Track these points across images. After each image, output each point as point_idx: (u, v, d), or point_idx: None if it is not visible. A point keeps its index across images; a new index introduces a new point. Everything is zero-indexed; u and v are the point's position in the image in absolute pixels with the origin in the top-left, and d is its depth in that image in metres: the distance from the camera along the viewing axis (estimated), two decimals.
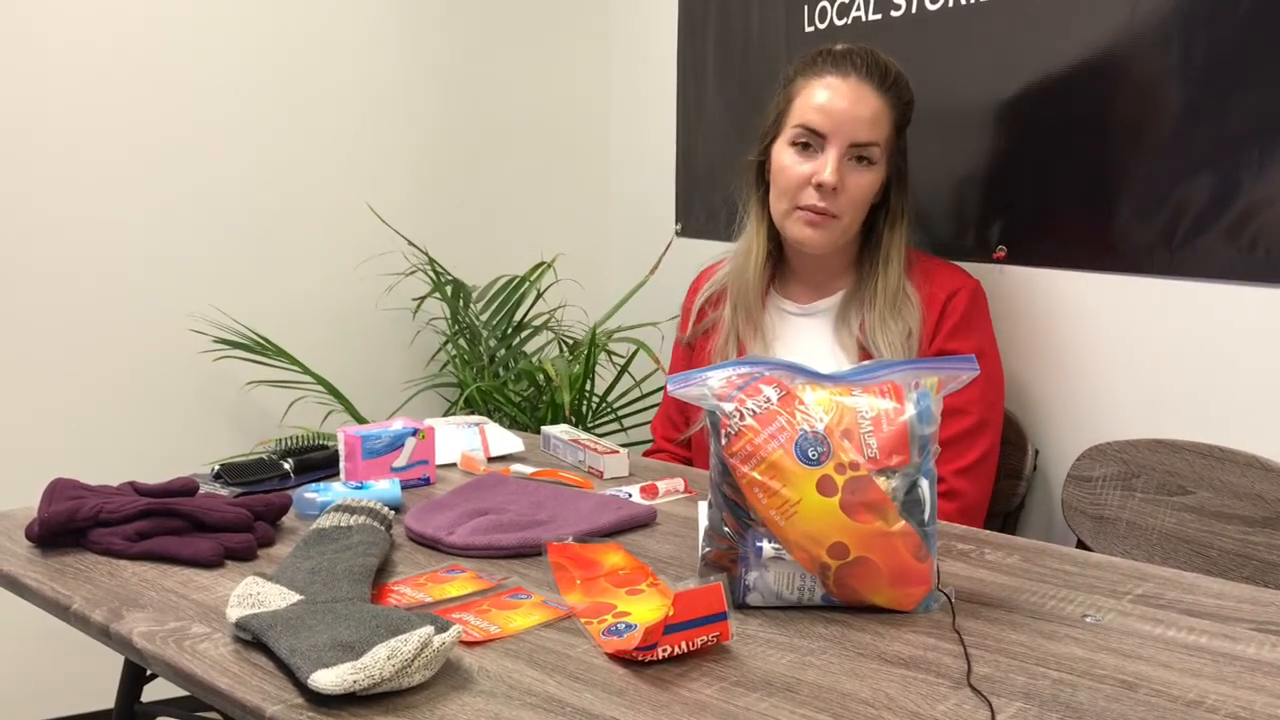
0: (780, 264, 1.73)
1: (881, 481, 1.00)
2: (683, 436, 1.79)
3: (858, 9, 2.01)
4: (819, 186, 1.57)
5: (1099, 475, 1.60)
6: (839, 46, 1.64)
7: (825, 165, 1.56)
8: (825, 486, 0.98)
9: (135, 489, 1.25)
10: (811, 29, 2.12)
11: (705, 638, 0.91)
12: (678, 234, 2.53)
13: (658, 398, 2.32)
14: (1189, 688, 0.87)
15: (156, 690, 1.32)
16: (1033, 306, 1.77)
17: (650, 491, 1.40)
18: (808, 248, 1.63)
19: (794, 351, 1.65)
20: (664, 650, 0.90)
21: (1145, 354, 1.63)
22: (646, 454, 1.83)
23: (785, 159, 1.61)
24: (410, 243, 2.46)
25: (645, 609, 1.01)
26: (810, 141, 1.59)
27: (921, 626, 0.99)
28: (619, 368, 2.36)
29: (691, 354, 1.78)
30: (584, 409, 2.31)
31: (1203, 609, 1.03)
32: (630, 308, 2.42)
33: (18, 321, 2.14)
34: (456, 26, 2.57)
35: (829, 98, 1.58)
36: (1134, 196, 1.61)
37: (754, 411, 1.00)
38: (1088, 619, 1.01)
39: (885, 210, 1.65)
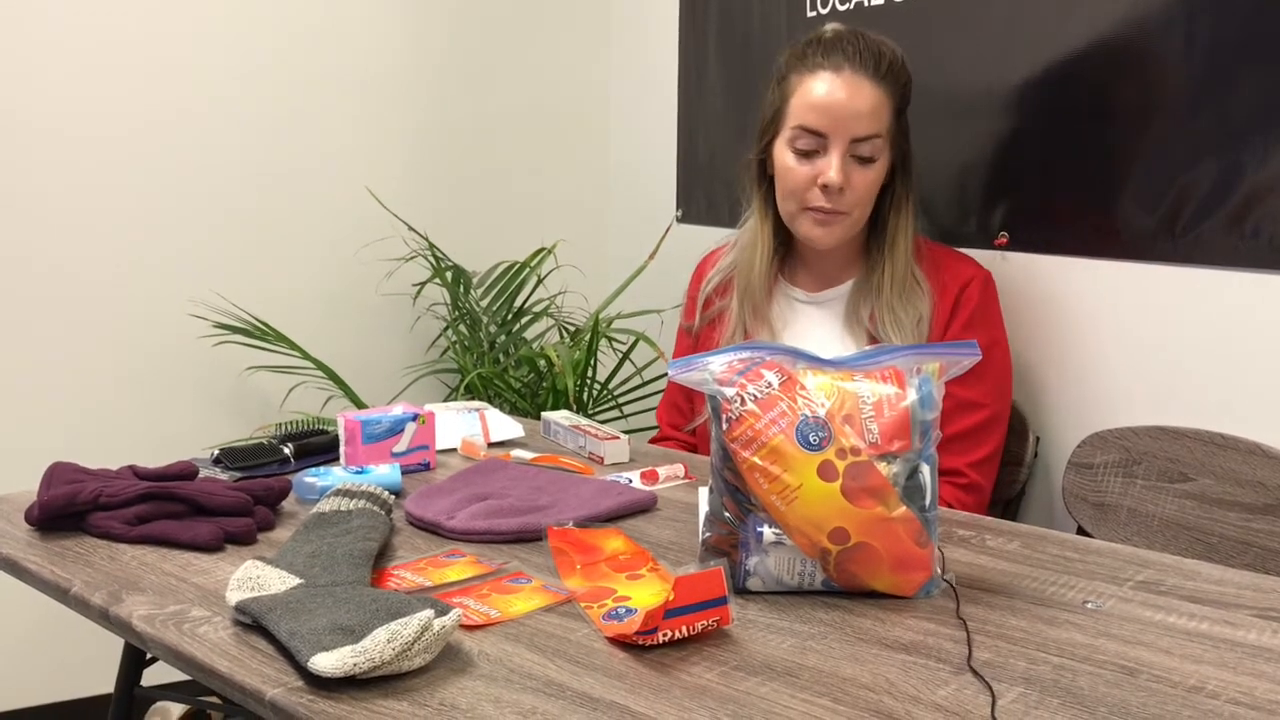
0: (789, 253, 1.72)
1: (882, 467, 1.00)
2: (689, 426, 1.79)
3: None
4: (825, 188, 1.55)
5: (1100, 462, 1.59)
6: (828, 33, 1.59)
7: (829, 166, 1.54)
8: (826, 471, 0.98)
9: (135, 473, 1.25)
10: (813, 14, 2.11)
11: (705, 622, 0.91)
12: (678, 220, 2.53)
13: (658, 385, 2.31)
14: (1189, 673, 0.87)
15: (157, 674, 1.33)
16: (1034, 293, 1.76)
17: (651, 477, 1.40)
18: (818, 245, 1.62)
19: (803, 340, 1.64)
20: (664, 635, 0.89)
21: (1147, 341, 1.63)
22: (652, 441, 1.82)
23: (788, 160, 1.59)
24: (410, 228, 2.46)
25: (645, 594, 1.01)
26: (811, 142, 1.56)
27: (922, 612, 0.99)
28: (620, 355, 2.35)
29: (696, 344, 1.77)
30: (585, 396, 2.31)
31: (1204, 595, 1.03)
32: (631, 294, 2.41)
33: (18, 306, 2.14)
34: (457, 11, 2.56)
35: (825, 95, 1.54)
36: (1137, 183, 1.60)
37: (755, 396, 1.00)
38: (1088, 605, 1.01)
39: (890, 195, 1.63)
